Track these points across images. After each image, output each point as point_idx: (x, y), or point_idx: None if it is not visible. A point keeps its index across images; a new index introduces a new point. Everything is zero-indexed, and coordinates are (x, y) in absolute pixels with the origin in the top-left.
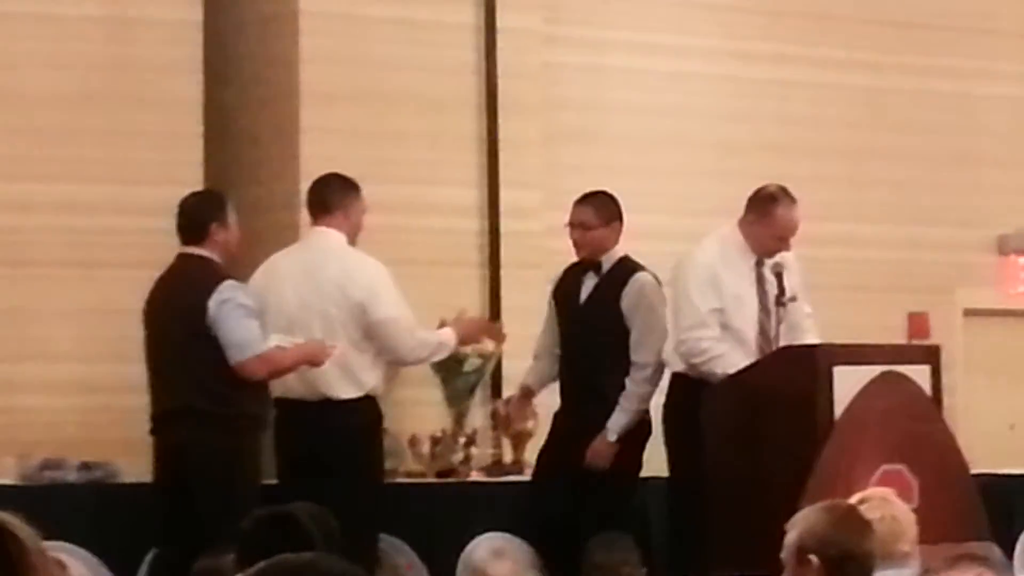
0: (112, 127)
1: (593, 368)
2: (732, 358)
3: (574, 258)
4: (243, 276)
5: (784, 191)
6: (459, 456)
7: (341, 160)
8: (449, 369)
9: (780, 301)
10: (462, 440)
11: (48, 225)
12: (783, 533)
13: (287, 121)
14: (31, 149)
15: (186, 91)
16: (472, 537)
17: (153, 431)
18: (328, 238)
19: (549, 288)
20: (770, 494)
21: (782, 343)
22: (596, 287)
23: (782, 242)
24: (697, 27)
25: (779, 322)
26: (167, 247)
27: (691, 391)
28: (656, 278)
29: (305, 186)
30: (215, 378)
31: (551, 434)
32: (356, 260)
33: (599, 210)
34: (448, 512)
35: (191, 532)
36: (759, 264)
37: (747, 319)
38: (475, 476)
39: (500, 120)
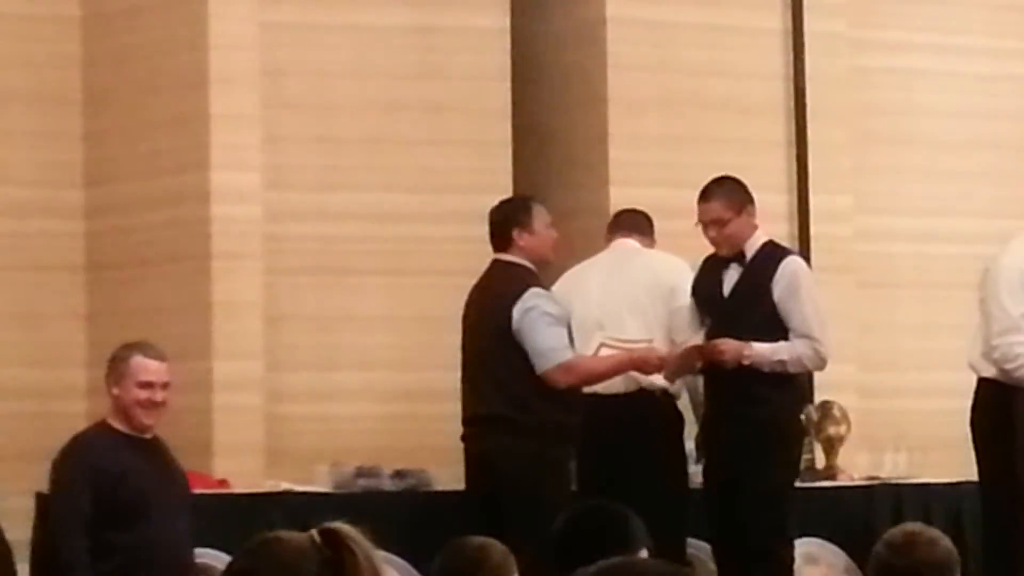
0: (421, 135)
1: (743, 367)
2: None
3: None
4: (553, 281)
5: None
6: None
7: (650, 166)
8: None
9: None
10: None
11: (360, 234)
12: None
13: (595, 127)
14: (342, 159)
15: (495, 98)
16: None
17: (463, 438)
18: (630, 244)
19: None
20: None
21: None
22: (741, 278)
23: None
24: (1007, 29)
25: None
26: (477, 254)
27: (1003, 397)
28: (807, 260)
29: (614, 192)
30: (521, 386)
31: (707, 446)
32: (663, 253)
33: (728, 201)
34: None
35: (502, 541)
36: None
37: None
38: None
39: (809, 125)
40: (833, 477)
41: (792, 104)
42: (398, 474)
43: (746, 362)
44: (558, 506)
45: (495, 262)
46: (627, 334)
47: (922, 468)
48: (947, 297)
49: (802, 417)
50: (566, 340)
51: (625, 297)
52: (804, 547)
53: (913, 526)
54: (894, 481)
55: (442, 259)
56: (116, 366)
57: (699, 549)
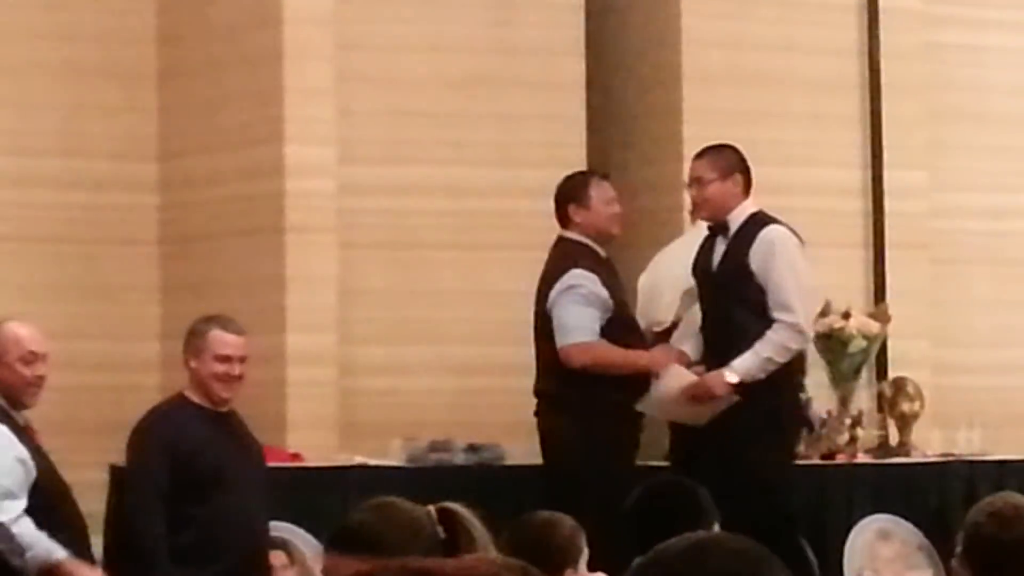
0: (497, 110)
1: (732, 343)
2: None
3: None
4: (627, 258)
5: None
6: (845, 438)
7: (723, 141)
8: (834, 350)
9: None
10: (848, 421)
11: (434, 208)
12: None
13: (669, 103)
14: (417, 132)
15: (569, 73)
16: (858, 519)
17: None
18: None
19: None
20: None
21: None
22: (726, 252)
23: None
24: None
25: None
26: (549, 229)
27: None
28: (795, 233)
29: (687, 167)
30: (554, 363)
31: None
32: None
33: (714, 162)
34: (834, 494)
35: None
36: None
37: None
38: (861, 458)
39: (883, 100)
40: (907, 454)
41: (866, 80)
42: (471, 448)
43: (735, 381)
44: (610, 484)
45: (557, 239)
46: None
47: (996, 445)
48: (1020, 274)
49: (802, 397)
50: (591, 322)
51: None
52: (877, 523)
53: (1013, 497)
54: (968, 458)
55: (515, 233)
56: (194, 339)
57: None
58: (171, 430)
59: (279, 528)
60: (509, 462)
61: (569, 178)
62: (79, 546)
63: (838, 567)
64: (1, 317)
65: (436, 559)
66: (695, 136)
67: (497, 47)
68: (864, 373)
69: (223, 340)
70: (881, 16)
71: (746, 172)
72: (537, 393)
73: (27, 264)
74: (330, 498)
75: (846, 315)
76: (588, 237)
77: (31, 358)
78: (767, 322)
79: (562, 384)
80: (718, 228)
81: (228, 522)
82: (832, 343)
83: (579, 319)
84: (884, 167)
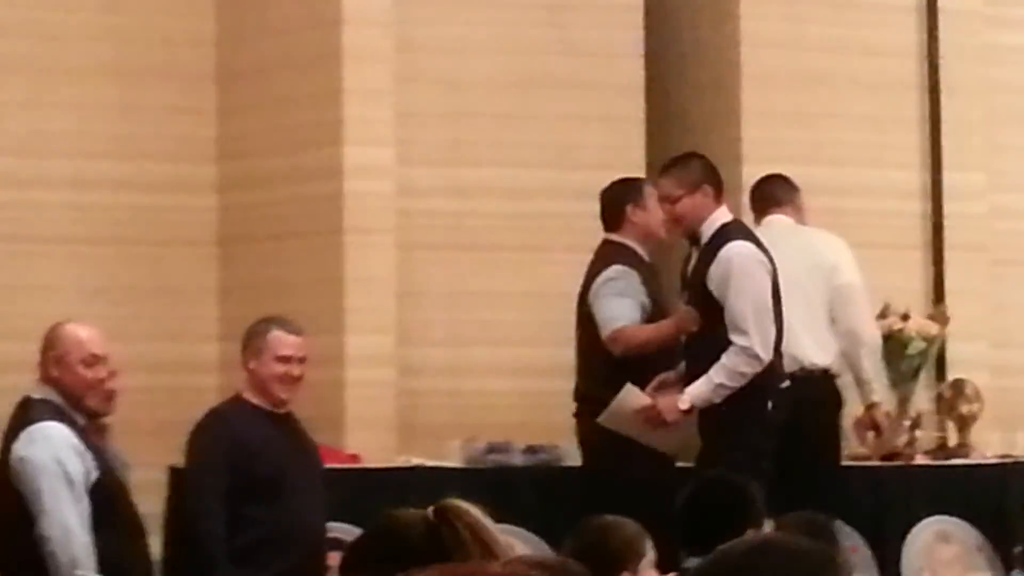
0: (554, 111)
1: (704, 356)
2: None
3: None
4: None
5: None
6: (904, 439)
7: (782, 143)
8: (893, 351)
9: None
10: (907, 423)
11: (493, 210)
12: None
13: (729, 104)
14: (476, 134)
15: (627, 75)
16: (918, 521)
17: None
18: (783, 220)
19: None
20: None
21: None
22: (696, 264)
23: None
24: None
25: None
26: None
27: None
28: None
29: (747, 169)
30: (599, 361)
31: None
32: (819, 230)
33: (681, 177)
34: (894, 496)
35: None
36: None
37: None
38: (920, 459)
39: (942, 102)
40: (966, 455)
41: (925, 81)
42: (530, 450)
43: (686, 407)
44: (648, 486)
45: (603, 241)
46: (788, 314)
47: None
48: None
49: (768, 404)
50: (630, 311)
51: (785, 277)
52: (936, 525)
53: None
54: None
55: (573, 235)
56: (253, 340)
57: (837, 527)
58: (230, 431)
59: (337, 529)
60: (568, 463)
61: (622, 181)
62: (136, 547)
63: (897, 569)
64: (61, 319)
65: (477, 564)
66: (754, 138)
67: (556, 49)
68: (923, 375)
69: (283, 341)
70: (940, 17)
71: (715, 181)
72: (576, 395)
73: (86, 266)
74: (387, 499)
75: (905, 317)
76: (636, 240)
77: (92, 360)
78: (724, 341)
79: (596, 381)
80: (693, 239)
81: (287, 523)
82: (891, 345)
83: (612, 311)
84: (943, 169)
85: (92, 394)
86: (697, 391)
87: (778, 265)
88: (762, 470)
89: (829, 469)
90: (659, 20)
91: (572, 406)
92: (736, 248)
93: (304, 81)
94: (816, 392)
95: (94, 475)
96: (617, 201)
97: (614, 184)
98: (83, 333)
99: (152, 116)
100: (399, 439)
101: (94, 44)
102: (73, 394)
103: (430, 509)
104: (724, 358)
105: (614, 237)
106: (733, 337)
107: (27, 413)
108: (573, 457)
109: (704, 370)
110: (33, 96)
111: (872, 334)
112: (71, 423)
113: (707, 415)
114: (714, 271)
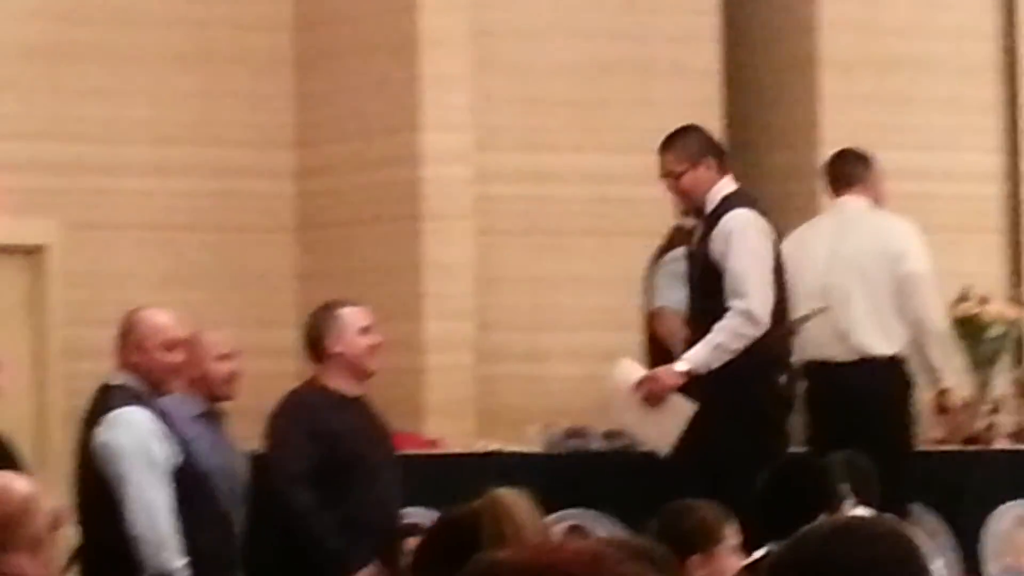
0: (631, 96)
1: (700, 331)
2: None
3: None
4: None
5: None
6: (983, 424)
7: (861, 127)
8: (972, 336)
9: None
10: (986, 408)
11: (570, 195)
12: None
13: (806, 88)
14: (554, 119)
15: (704, 59)
16: (998, 505)
17: None
18: (856, 203)
19: None
20: None
21: None
22: (701, 234)
23: None
24: None
25: None
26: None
27: None
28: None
29: (825, 152)
30: None
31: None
32: (890, 216)
33: (681, 152)
34: (973, 480)
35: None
36: None
37: None
38: (1000, 444)
39: (1022, 84)
40: None
41: (1004, 65)
42: (609, 435)
43: (684, 369)
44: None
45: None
46: (852, 303)
47: None
48: None
49: (781, 381)
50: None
51: (851, 265)
52: (1017, 509)
53: None
54: None
55: (652, 220)
56: (330, 325)
57: (916, 511)
58: (311, 415)
59: (416, 515)
60: (646, 448)
61: None
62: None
63: (976, 554)
64: (139, 305)
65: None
66: (832, 122)
67: (633, 33)
68: (1003, 359)
69: (359, 314)
70: (1020, 1)
71: (716, 152)
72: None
73: (165, 252)
74: (467, 485)
75: (984, 301)
76: None
77: (171, 345)
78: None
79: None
80: (698, 213)
81: (365, 507)
82: (970, 329)
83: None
84: (1022, 152)
85: (171, 379)
86: (695, 354)
87: (844, 252)
88: (773, 444)
89: (902, 454)
90: (736, 4)
91: None
92: (740, 215)
93: (381, 67)
94: (880, 379)
95: (177, 460)
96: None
97: None
98: (161, 318)
99: (230, 103)
100: (478, 424)
101: (172, 31)
102: (154, 379)
103: (478, 502)
104: (724, 320)
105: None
106: (732, 301)
107: (106, 399)
108: (651, 442)
109: (698, 338)
110: (111, 83)
111: (938, 322)
112: (151, 408)
113: (718, 383)
114: (715, 239)
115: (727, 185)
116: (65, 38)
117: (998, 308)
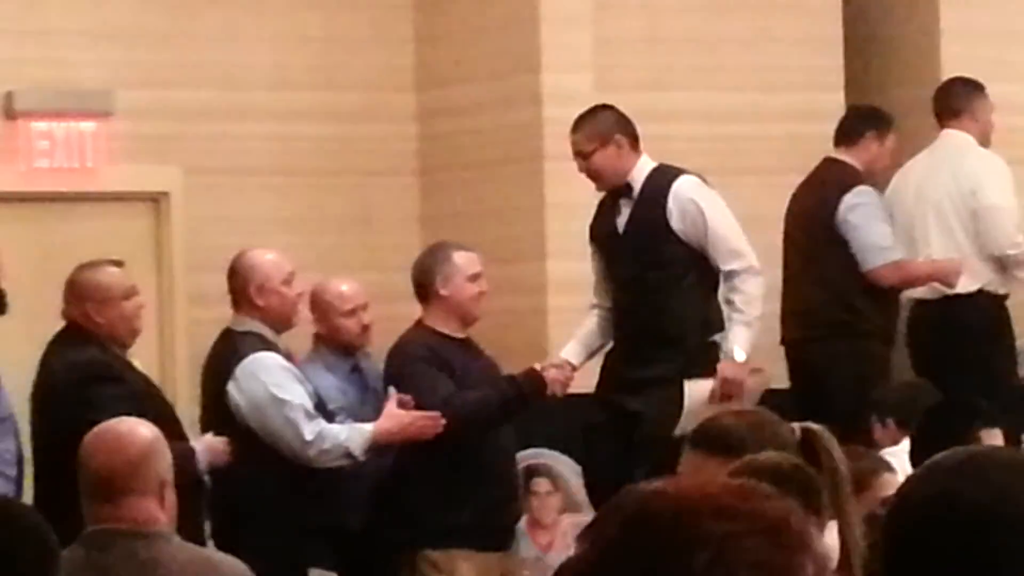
0: (751, 34)
1: (657, 309)
2: None
3: None
4: (881, 186)
5: None
6: None
7: (980, 61)
8: None
9: None
10: None
11: (690, 134)
12: None
13: (927, 23)
14: (674, 58)
15: None
16: None
17: (782, 336)
18: (956, 139)
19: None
20: None
21: None
22: (632, 214)
23: None
24: None
25: None
26: (808, 153)
27: None
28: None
29: (943, 87)
30: (842, 283)
31: (603, 387)
32: (977, 153)
33: (590, 132)
34: None
35: None
36: None
37: None
38: None
39: None
40: None
41: None
42: None
43: (743, 359)
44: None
45: (827, 160)
46: (931, 240)
47: None
48: None
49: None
50: (893, 239)
51: (929, 201)
52: None
53: None
54: None
55: (772, 157)
56: (441, 267)
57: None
58: (434, 355)
59: (543, 455)
60: (774, 386)
61: (868, 109)
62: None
63: None
64: (243, 249)
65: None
66: (953, 56)
67: None
68: None
69: (471, 259)
70: None
71: (628, 131)
72: (800, 312)
73: (287, 197)
74: (591, 426)
75: None
76: (865, 166)
77: (291, 278)
78: (680, 282)
79: (839, 306)
80: (621, 190)
81: (488, 450)
82: None
83: (883, 238)
84: None
85: (296, 312)
86: (739, 338)
87: (926, 190)
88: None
89: (1002, 387)
90: None
91: (770, 328)
92: (683, 182)
93: (501, 8)
94: (967, 315)
95: (312, 400)
96: (859, 123)
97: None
98: (273, 256)
99: (351, 46)
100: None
101: None
102: (282, 317)
103: (795, 425)
104: (739, 292)
105: (842, 156)
106: (732, 264)
107: (235, 347)
108: (778, 380)
109: (638, 312)
110: (232, 29)
111: (1016, 255)
112: (277, 351)
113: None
114: (674, 208)
115: (647, 163)
116: None
117: None
